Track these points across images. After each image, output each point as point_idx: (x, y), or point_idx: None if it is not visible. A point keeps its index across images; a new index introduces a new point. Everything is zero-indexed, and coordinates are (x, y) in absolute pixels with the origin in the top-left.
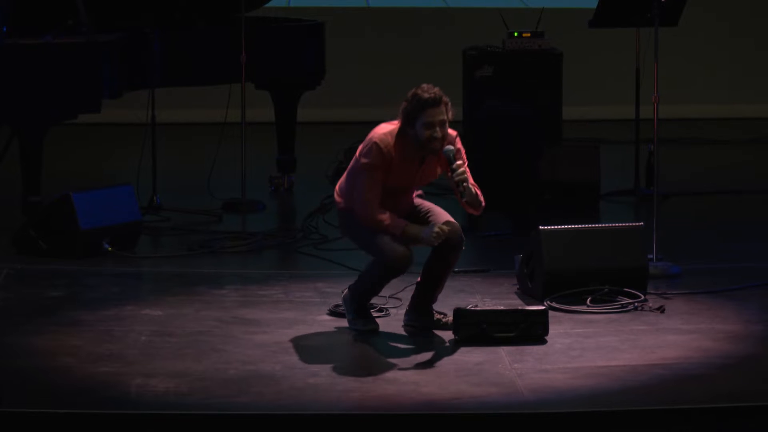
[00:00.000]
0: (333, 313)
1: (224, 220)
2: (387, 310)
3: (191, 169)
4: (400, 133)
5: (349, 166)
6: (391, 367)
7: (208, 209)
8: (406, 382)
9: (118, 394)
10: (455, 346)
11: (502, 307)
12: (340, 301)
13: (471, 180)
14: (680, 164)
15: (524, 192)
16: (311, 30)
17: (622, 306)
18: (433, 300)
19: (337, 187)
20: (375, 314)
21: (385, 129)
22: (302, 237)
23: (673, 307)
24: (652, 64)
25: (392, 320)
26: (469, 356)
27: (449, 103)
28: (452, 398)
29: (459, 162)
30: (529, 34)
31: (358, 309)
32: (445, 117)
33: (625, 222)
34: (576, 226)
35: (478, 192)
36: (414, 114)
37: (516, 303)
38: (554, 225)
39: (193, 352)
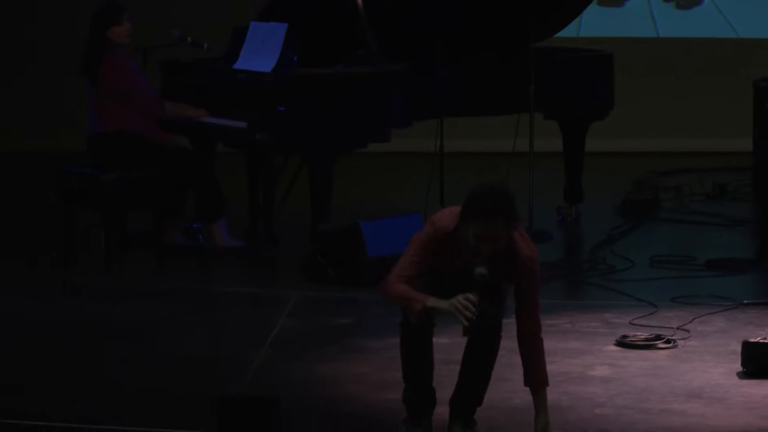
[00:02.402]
0: (620, 344)
1: None
2: (675, 341)
3: None
4: (460, 226)
5: None
6: (678, 399)
7: None
8: (693, 414)
9: None
10: (743, 378)
11: None
12: (627, 332)
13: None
14: None
15: None
16: (600, 60)
17: None
18: (472, 401)
19: None
20: (662, 346)
21: (450, 215)
22: (589, 267)
23: None
24: None
25: (680, 352)
26: (758, 389)
27: (512, 213)
28: (740, 431)
29: (472, 297)
30: None
31: (407, 405)
32: (501, 230)
33: None
34: None
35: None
36: (465, 218)
37: None
38: None
39: None
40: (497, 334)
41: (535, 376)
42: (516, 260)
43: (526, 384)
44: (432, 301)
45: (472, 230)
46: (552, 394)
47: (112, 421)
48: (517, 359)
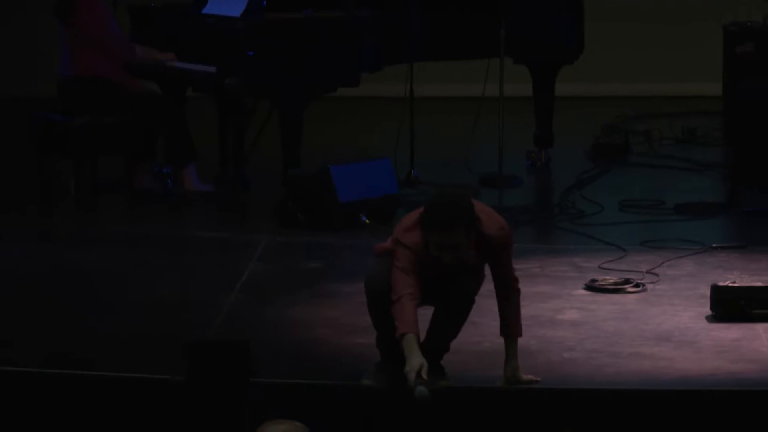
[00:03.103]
0: (589, 287)
1: (481, 194)
2: (644, 285)
3: (449, 144)
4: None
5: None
6: (647, 342)
7: (465, 183)
8: (662, 357)
9: None
10: (712, 322)
11: (760, 284)
12: (596, 276)
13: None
14: None
15: None
16: (570, 3)
17: None
18: (440, 351)
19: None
20: (631, 290)
21: (411, 227)
22: (559, 212)
23: None
24: None
25: (649, 296)
26: (726, 333)
27: (471, 222)
28: (708, 374)
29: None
30: None
31: (380, 350)
32: (461, 240)
33: None
34: None
35: None
36: (424, 229)
37: None
38: None
39: None
40: (470, 305)
41: (511, 328)
42: (485, 242)
43: (501, 334)
44: (405, 344)
45: (432, 240)
46: (521, 338)
47: (83, 367)
48: (486, 303)
